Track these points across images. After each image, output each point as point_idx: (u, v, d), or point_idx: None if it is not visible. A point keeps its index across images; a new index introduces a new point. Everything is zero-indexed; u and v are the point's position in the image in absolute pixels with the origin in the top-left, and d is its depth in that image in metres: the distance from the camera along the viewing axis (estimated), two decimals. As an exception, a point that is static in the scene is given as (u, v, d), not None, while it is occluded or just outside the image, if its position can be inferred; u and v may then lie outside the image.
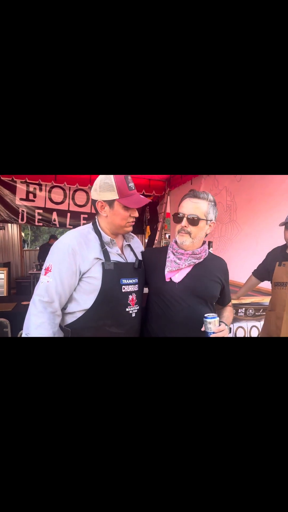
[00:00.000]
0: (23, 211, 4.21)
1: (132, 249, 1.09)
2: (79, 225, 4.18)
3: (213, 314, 0.94)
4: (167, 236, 5.54)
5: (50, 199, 4.33)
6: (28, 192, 4.22)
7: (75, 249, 0.90)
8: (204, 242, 1.08)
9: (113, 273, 0.94)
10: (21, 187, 4.15)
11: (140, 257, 1.10)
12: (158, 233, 4.85)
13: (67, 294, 0.92)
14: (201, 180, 3.67)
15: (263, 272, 1.74)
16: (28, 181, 4.06)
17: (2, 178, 3.88)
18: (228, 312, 1.17)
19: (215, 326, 0.92)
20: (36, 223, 4.31)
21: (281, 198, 2.41)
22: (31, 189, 4.22)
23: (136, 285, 1.02)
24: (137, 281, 1.03)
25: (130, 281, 1.00)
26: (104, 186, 0.92)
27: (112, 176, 0.92)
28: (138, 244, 1.14)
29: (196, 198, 0.99)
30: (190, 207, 0.99)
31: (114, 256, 0.99)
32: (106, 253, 0.96)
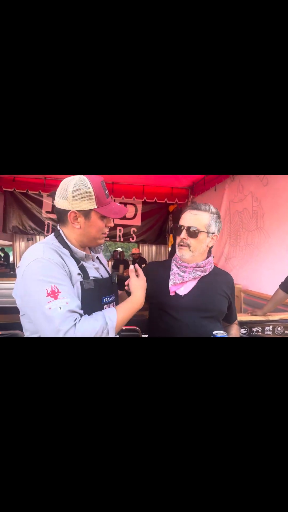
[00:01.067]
0: (48, 223, 4.40)
1: (101, 262, 0.98)
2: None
3: (222, 332, 0.86)
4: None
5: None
6: (53, 205, 4.39)
7: (60, 261, 0.76)
8: (209, 255, 1.03)
9: (93, 292, 0.81)
10: (47, 201, 4.35)
11: (109, 270, 0.99)
12: (181, 242, 4.74)
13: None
14: (224, 186, 3.53)
15: None
16: (54, 194, 4.24)
17: (29, 192, 4.10)
18: (235, 330, 1.11)
19: None
20: (61, 235, 4.47)
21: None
22: (56, 202, 4.39)
23: (114, 303, 0.91)
24: (114, 298, 0.92)
25: (110, 299, 0.89)
26: (79, 194, 0.78)
27: (87, 181, 0.79)
28: (102, 256, 1.03)
29: (197, 210, 0.96)
30: (190, 219, 0.96)
31: (92, 272, 0.86)
32: (83, 270, 0.82)
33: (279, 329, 1.59)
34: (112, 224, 0.87)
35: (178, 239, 0.98)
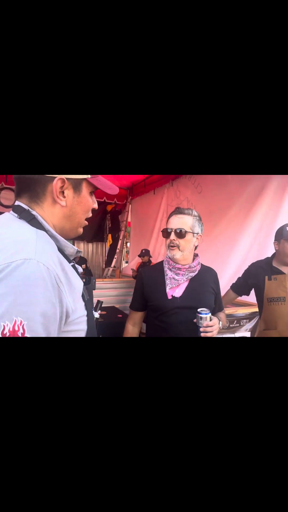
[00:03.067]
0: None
1: None
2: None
3: (207, 310, 0.97)
4: (128, 244, 5.50)
5: (0, 203, 3.91)
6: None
7: (56, 272, 0.48)
8: (195, 255, 1.15)
9: (91, 306, 0.62)
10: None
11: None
12: (120, 241, 4.79)
13: None
14: (164, 190, 3.74)
15: (244, 286, 1.69)
16: (-27, 181, 3.60)
17: None
18: (222, 313, 1.24)
19: (206, 321, 0.95)
20: (-17, 229, 3.82)
21: (239, 212, 2.57)
22: (-23, 190, 3.75)
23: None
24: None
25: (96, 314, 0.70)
26: None
27: None
28: None
29: (181, 214, 1.08)
30: (176, 222, 1.07)
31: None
32: (76, 272, 0.61)
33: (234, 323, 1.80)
34: (96, 206, 0.66)
35: (167, 241, 1.08)
